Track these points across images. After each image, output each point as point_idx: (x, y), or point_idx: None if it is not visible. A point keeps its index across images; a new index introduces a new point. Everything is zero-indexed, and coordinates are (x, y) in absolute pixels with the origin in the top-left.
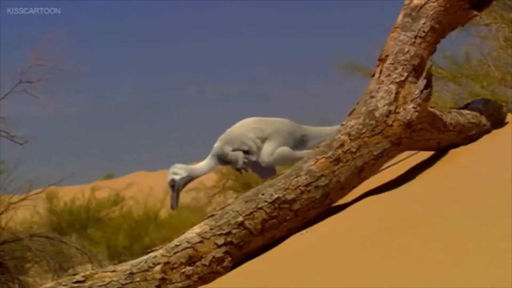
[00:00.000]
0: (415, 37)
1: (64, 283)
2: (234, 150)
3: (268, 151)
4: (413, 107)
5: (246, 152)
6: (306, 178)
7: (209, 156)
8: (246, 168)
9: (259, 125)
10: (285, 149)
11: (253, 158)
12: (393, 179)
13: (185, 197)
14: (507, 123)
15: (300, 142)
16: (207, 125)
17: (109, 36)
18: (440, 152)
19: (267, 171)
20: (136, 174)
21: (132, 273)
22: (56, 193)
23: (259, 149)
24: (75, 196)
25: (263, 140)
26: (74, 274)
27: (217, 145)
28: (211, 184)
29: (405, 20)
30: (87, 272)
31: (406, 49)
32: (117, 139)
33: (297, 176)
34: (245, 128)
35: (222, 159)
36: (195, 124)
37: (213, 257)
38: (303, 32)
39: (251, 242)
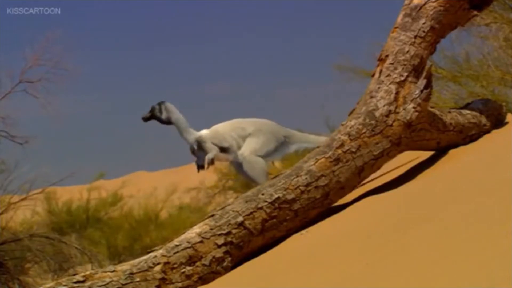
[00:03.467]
0: (415, 37)
1: (64, 283)
2: (213, 144)
3: (250, 147)
4: (413, 107)
5: (225, 150)
6: (306, 178)
7: (193, 131)
8: (210, 164)
9: (242, 124)
10: (263, 162)
11: (231, 157)
12: (393, 179)
13: (185, 197)
14: (507, 123)
15: (283, 143)
16: (208, 125)
17: (108, 36)
18: (440, 152)
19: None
20: (136, 174)
21: (132, 273)
22: (55, 193)
23: (239, 148)
24: (75, 196)
25: (245, 138)
26: (74, 274)
27: (205, 132)
28: (211, 184)
29: (405, 20)
30: (87, 272)
31: (406, 49)
32: (117, 139)
33: (297, 176)
34: (228, 127)
35: (199, 143)
36: (195, 124)
37: (213, 257)
38: (304, 32)
39: (251, 242)
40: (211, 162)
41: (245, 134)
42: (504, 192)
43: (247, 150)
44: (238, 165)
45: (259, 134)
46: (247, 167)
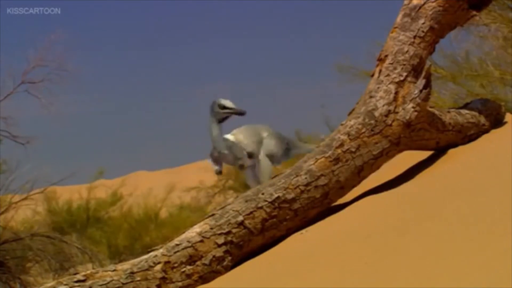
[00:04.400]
0: (414, 37)
1: (65, 283)
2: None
3: (266, 150)
4: (412, 107)
5: (249, 155)
6: (305, 178)
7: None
8: (242, 170)
9: (257, 130)
10: (270, 165)
11: (250, 162)
12: (392, 179)
13: (185, 196)
14: (506, 122)
15: (286, 149)
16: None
17: (109, 36)
18: (439, 152)
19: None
20: (136, 174)
21: (132, 272)
22: (56, 192)
23: (259, 152)
24: (75, 195)
25: (260, 143)
26: (75, 274)
27: (231, 137)
28: (211, 184)
29: (404, 20)
30: (88, 272)
31: (405, 49)
32: (118, 139)
33: (297, 176)
34: (248, 132)
35: (230, 148)
36: (195, 124)
37: (213, 256)
38: (304, 32)
39: (251, 242)
40: (242, 168)
41: (260, 139)
42: (504, 192)
43: (262, 151)
44: (251, 170)
45: (272, 138)
46: (258, 168)
